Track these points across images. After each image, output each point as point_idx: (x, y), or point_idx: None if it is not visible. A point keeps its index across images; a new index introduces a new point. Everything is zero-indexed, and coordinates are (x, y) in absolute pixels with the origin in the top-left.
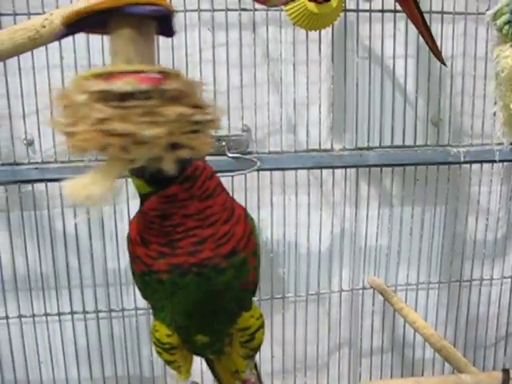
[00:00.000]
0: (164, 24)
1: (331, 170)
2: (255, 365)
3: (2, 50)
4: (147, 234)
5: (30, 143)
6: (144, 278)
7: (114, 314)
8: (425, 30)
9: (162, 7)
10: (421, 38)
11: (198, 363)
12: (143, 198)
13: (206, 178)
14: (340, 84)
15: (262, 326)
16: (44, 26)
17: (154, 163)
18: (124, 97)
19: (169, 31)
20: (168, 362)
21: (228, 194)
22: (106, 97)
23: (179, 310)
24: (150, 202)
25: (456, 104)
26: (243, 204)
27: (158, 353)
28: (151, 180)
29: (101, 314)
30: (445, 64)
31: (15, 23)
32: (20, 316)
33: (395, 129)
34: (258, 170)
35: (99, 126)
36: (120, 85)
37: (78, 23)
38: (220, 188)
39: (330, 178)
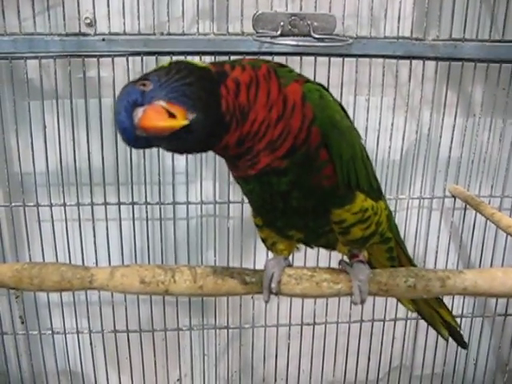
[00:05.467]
0: None
1: (421, 64)
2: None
3: None
4: None
5: (91, 23)
6: None
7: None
8: None
9: None
10: None
11: None
12: None
13: (234, 99)
14: None
15: (361, 222)
16: None
17: None
18: None
19: None
20: (262, 240)
21: (270, 77)
22: None
23: (257, 207)
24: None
25: None
26: None
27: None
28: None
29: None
30: None
31: None
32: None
33: (495, 21)
34: (343, 56)
35: None
36: None
37: None
38: (255, 87)
39: (418, 75)
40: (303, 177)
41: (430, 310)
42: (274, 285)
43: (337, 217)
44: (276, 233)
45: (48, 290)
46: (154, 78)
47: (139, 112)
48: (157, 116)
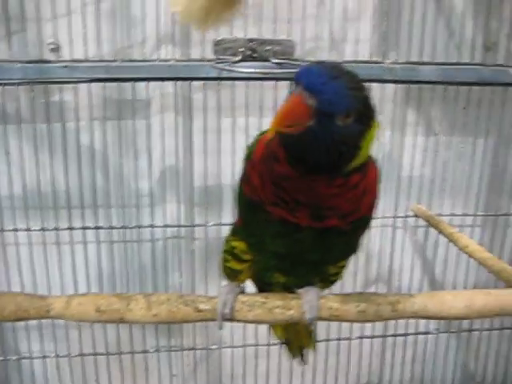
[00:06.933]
0: None
1: (380, 86)
2: None
3: None
4: (268, 174)
5: (55, 49)
6: (250, 203)
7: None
8: None
9: None
10: None
11: None
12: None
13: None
14: None
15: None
16: None
17: None
18: None
19: None
20: (230, 269)
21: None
22: None
23: (272, 250)
24: (286, 169)
25: None
26: None
27: (226, 260)
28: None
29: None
30: None
31: None
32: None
33: (450, 46)
34: None
35: None
36: None
37: None
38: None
39: (378, 96)
40: (355, 235)
41: (297, 339)
42: (227, 311)
43: (332, 270)
44: (256, 271)
45: (5, 319)
46: None
47: None
48: None
